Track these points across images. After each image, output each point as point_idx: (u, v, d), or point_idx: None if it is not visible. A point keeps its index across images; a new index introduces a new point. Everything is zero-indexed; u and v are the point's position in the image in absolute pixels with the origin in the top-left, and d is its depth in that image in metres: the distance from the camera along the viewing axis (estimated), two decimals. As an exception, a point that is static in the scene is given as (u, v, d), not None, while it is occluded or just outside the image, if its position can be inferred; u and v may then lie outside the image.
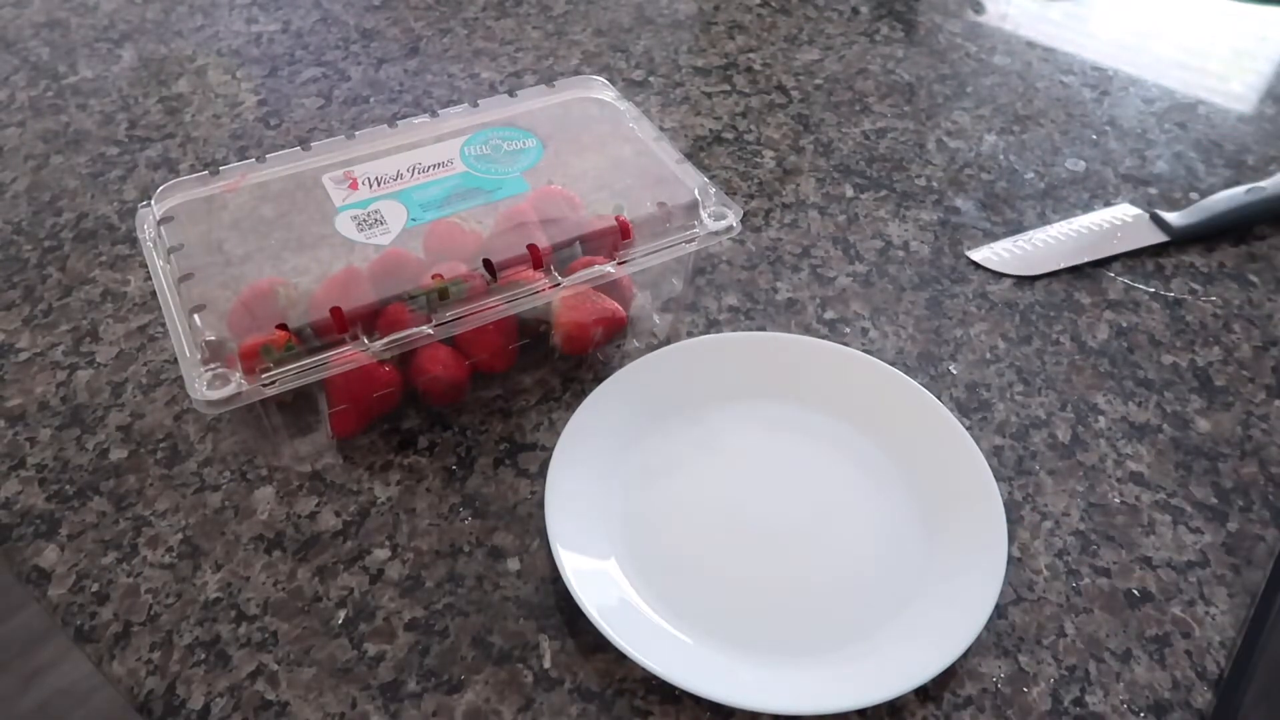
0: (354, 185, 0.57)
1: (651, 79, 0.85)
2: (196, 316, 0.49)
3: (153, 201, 0.56)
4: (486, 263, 0.52)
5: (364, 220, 0.55)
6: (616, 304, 0.59)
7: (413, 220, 0.55)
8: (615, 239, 0.55)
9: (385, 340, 0.50)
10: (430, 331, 0.51)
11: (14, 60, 0.86)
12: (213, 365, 0.48)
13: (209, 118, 0.80)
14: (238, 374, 0.47)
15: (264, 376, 0.48)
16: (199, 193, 0.57)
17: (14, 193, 0.73)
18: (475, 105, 0.63)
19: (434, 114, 0.63)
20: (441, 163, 0.58)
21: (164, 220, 0.55)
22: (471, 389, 0.58)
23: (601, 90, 0.65)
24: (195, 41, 0.89)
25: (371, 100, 0.82)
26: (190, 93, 0.83)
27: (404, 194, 0.56)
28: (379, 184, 0.57)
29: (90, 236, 0.69)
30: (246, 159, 0.60)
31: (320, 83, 0.84)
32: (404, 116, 0.63)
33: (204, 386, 0.47)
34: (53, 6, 0.93)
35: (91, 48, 0.88)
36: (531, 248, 0.53)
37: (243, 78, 0.85)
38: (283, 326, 0.49)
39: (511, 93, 0.64)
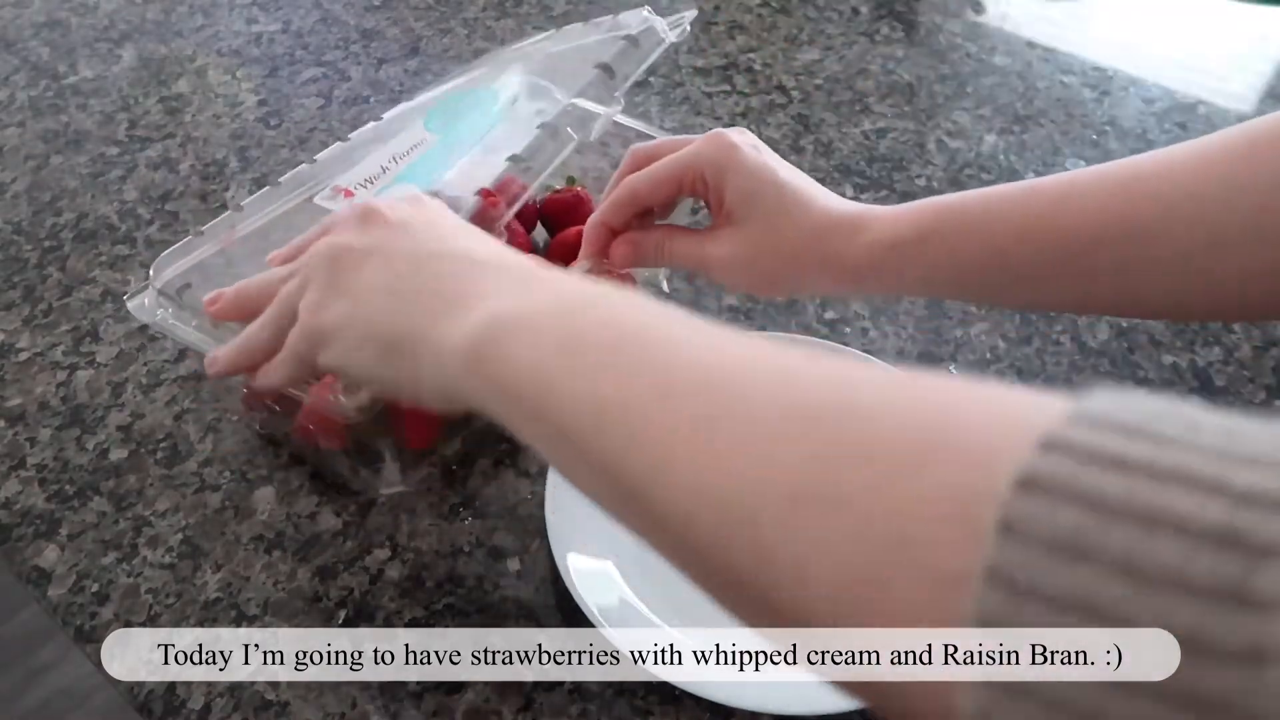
0: (348, 194, 0.57)
1: (651, 79, 0.85)
2: None
3: (151, 273, 0.51)
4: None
5: None
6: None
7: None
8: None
9: None
10: None
11: (14, 60, 0.86)
12: None
13: (209, 118, 0.80)
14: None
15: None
16: (195, 258, 0.53)
17: (14, 193, 0.73)
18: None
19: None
20: (417, 145, 0.58)
21: (183, 288, 0.51)
22: None
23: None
24: (195, 41, 0.89)
25: (371, 100, 0.82)
26: (190, 93, 0.83)
27: (398, 181, 0.56)
28: (371, 184, 0.57)
29: (90, 236, 0.69)
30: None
31: (320, 83, 0.84)
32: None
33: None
34: (53, 6, 0.93)
35: (91, 48, 0.88)
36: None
37: (243, 78, 0.85)
38: None
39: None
